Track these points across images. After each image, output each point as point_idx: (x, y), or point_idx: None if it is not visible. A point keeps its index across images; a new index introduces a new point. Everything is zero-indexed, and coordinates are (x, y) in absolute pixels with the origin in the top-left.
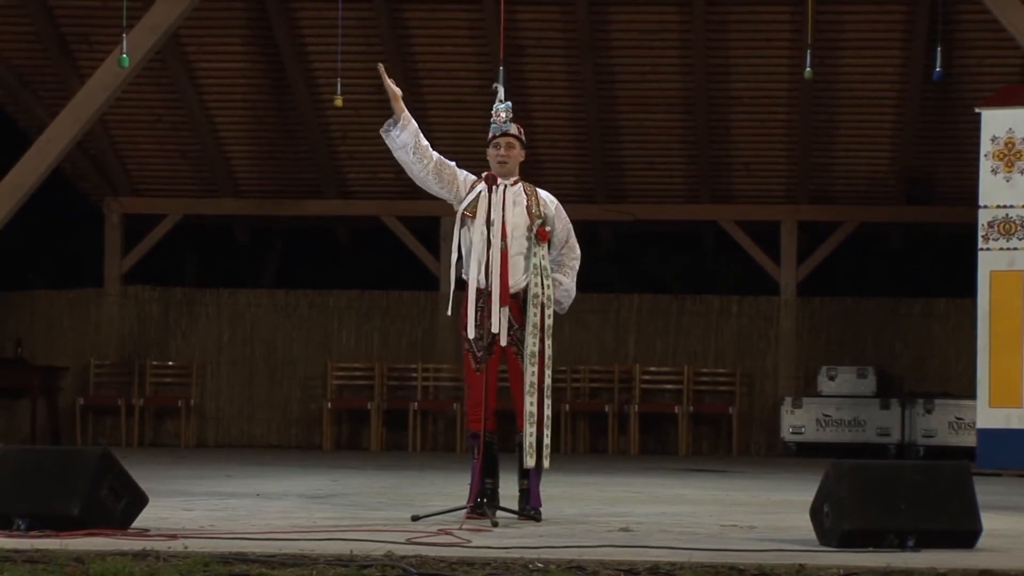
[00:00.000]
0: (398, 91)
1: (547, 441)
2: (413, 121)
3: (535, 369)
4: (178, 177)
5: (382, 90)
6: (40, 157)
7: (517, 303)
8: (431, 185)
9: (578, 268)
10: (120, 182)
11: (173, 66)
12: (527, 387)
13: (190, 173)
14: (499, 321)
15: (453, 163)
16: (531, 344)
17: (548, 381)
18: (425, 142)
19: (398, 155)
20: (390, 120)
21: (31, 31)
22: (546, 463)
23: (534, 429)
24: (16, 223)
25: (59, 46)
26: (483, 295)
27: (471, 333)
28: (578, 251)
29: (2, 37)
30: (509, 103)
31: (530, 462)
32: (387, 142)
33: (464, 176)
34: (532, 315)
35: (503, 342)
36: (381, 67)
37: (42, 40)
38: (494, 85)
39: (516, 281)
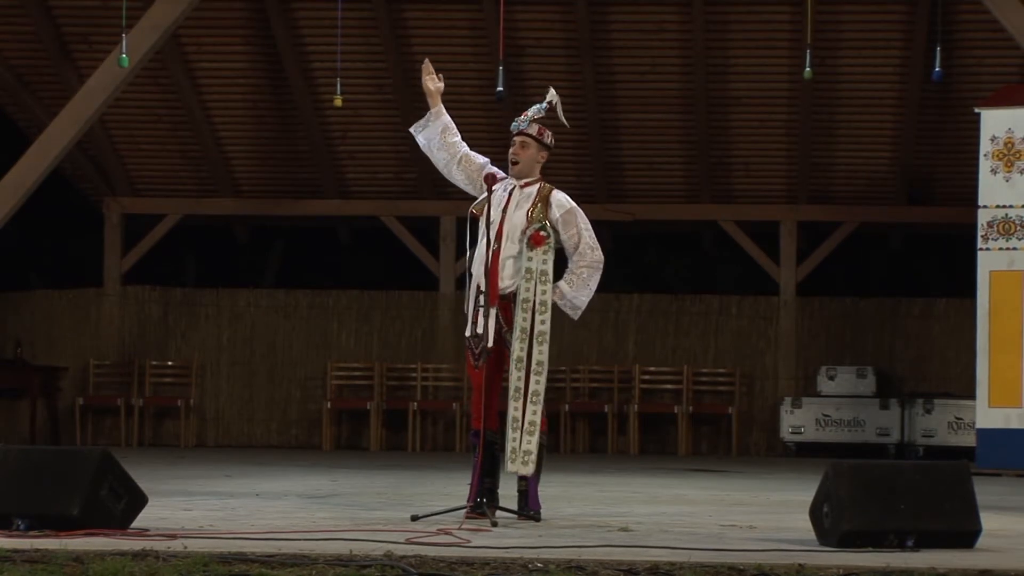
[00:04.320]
0: (433, 88)
1: (528, 447)
2: (443, 117)
3: (520, 374)
4: (178, 177)
5: (382, 90)
6: (40, 157)
7: (507, 305)
8: (457, 180)
9: (594, 275)
10: (120, 182)
11: (173, 66)
12: (511, 392)
13: (190, 173)
14: (485, 321)
15: (484, 159)
16: (518, 349)
17: (536, 387)
18: (454, 139)
19: (424, 152)
20: (425, 116)
21: (31, 31)
22: (527, 469)
23: (517, 435)
24: (16, 223)
25: (59, 46)
26: (480, 295)
27: (467, 331)
28: (591, 257)
29: (2, 37)
30: (545, 105)
31: (510, 467)
32: (415, 138)
33: (490, 173)
34: (521, 319)
35: (489, 343)
36: (427, 62)
37: (42, 40)
38: (550, 92)
39: (506, 284)
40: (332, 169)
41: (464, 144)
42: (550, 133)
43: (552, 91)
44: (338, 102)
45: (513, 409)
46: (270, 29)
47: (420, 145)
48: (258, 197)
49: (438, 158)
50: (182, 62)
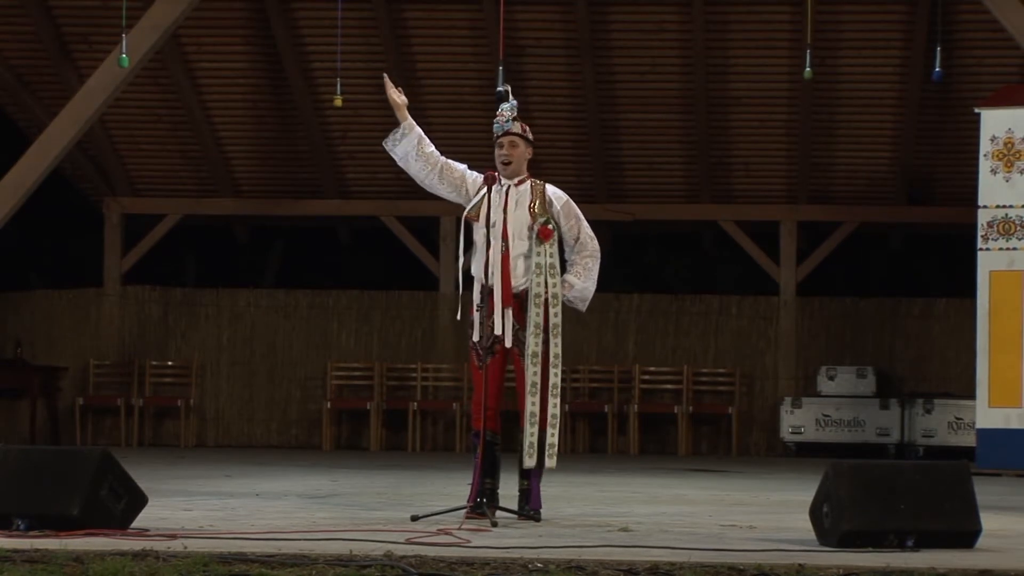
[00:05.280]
0: (399, 101)
1: (552, 441)
2: (416, 129)
3: (536, 369)
4: (178, 177)
5: (382, 90)
6: (40, 157)
7: (520, 304)
8: (439, 190)
9: (596, 264)
10: (120, 182)
11: (173, 66)
12: (528, 387)
13: (190, 173)
14: (502, 323)
15: (463, 166)
16: (532, 344)
17: (555, 380)
18: (429, 149)
19: (401, 165)
20: (394, 130)
21: (31, 31)
22: (552, 463)
23: (535, 429)
24: (16, 223)
25: (59, 46)
26: (485, 297)
27: (474, 335)
28: (591, 247)
29: (2, 37)
30: (515, 102)
31: (529, 462)
32: (390, 153)
33: (473, 178)
34: (534, 315)
35: (507, 344)
36: (386, 77)
37: (42, 40)
38: (505, 86)
39: (518, 282)
40: (332, 169)
41: (439, 153)
42: (528, 128)
43: (507, 85)
44: (338, 102)
45: (531, 404)
46: (270, 29)
47: (396, 159)
48: (258, 197)
49: (416, 169)
50: (182, 62)
